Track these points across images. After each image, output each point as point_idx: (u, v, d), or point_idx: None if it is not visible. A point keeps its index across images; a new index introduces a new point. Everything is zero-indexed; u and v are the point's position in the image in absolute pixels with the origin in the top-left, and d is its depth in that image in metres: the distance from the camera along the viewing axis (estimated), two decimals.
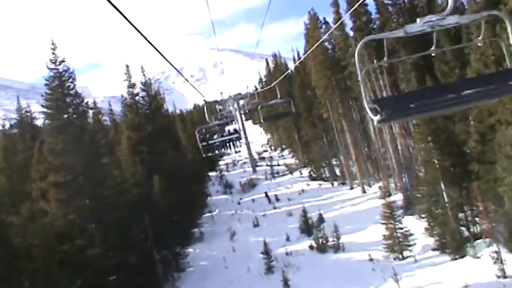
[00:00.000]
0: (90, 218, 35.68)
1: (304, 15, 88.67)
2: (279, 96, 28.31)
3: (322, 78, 63.08)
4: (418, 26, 6.39)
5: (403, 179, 51.16)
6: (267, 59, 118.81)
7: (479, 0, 36.23)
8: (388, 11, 50.40)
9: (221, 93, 30.50)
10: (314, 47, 51.20)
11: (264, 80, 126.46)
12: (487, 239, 33.66)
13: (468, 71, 37.99)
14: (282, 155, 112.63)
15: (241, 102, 28.48)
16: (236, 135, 28.36)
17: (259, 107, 25.86)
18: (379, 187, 57.34)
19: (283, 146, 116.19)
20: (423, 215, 40.75)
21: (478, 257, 32.57)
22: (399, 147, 52.29)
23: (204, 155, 28.52)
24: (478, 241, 34.35)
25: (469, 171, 35.33)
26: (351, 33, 55.80)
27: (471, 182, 35.43)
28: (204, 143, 26.99)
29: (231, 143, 29.84)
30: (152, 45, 7.80)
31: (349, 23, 55.92)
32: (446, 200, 36.13)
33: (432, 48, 7.12)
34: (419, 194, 42.09)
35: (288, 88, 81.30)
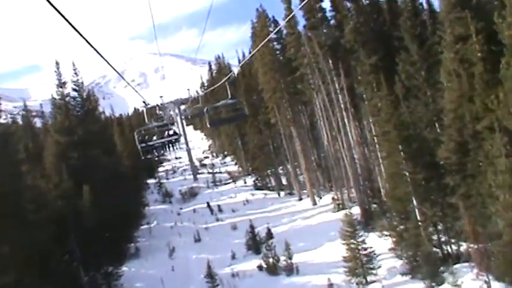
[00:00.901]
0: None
1: (247, 22, 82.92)
2: (229, 96, 25.82)
3: (270, 80, 57.55)
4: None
5: (361, 191, 45.95)
6: (209, 63, 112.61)
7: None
8: (346, 8, 45.24)
9: (161, 96, 32.12)
10: (261, 44, 45.75)
11: (206, 84, 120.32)
12: (467, 263, 28.69)
13: (441, 72, 33.51)
14: (225, 162, 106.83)
15: (183, 107, 29.31)
16: (175, 136, 28.12)
17: (205, 110, 24.40)
18: (332, 198, 52.29)
19: (226, 153, 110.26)
20: (387, 233, 35.70)
21: (458, 285, 27.36)
22: (355, 156, 47.17)
23: (143, 157, 29.52)
24: (457, 266, 29.29)
25: (445, 186, 30.46)
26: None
27: (447, 197, 30.60)
28: (143, 144, 27.12)
29: (171, 145, 31.15)
30: (92, 47, 7.76)
31: (302, 21, 50.64)
32: (419, 218, 30.99)
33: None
34: (382, 209, 37.02)
35: (233, 92, 75.20)
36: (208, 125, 26.12)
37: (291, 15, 49.25)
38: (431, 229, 31.63)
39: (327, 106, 50.31)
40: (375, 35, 44.81)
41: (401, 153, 31.12)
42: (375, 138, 45.25)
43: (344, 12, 45.31)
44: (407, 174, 30.98)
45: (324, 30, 48.31)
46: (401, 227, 32.66)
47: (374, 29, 45.03)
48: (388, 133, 32.16)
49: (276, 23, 58.83)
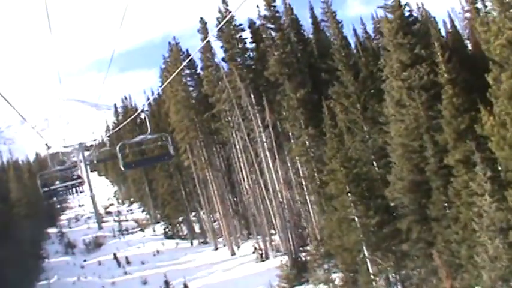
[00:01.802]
0: None
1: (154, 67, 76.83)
2: (149, 131, 20.34)
3: (183, 119, 51.47)
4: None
5: (289, 239, 40.33)
6: (115, 105, 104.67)
7: None
8: (269, 37, 40.43)
9: (64, 140, 30.43)
10: (173, 75, 40.34)
11: (111, 128, 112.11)
12: None
13: (387, 100, 29.23)
14: (131, 210, 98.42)
15: (87, 152, 27.19)
16: (79, 180, 26.79)
17: (118, 148, 19.80)
18: (254, 248, 46.35)
19: (132, 200, 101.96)
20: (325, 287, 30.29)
21: None
22: (281, 200, 41.74)
23: (45, 201, 30.01)
24: None
25: (399, 231, 25.50)
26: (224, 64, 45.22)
27: (402, 244, 25.58)
28: (46, 189, 25.95)
29: (75, 189, 30.30)
30: None
31: (220, 53, 45.39)
32: (371, 270, 25.65)
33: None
34: (319, 260, 31.62)
35: (140, 134, 68.65)
36: (122, 167, 19.92)
37: (206, 41, 43.89)
38: (384, 282, 26.40)
39: (247, 146, 44.77)
40: (302, 67, 40.24)
41: (349, 194, 25.84)
42: (303, 180, 40.22)
43: (267, 42, 40.41)
44: (356, 219, 25.69)
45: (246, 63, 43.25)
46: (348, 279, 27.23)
47: (301, 61, 40.43)
48: (333, 172, 26.80)
49: (189, 56, 53.20)
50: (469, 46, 38.81)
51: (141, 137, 19.73)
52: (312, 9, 43.48)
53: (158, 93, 66.91)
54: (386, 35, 29.61)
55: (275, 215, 42.85)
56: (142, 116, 74.65)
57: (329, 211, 31.68)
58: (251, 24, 44.19)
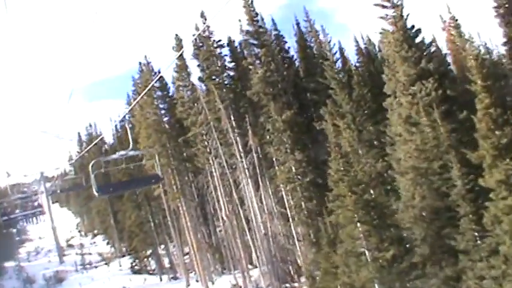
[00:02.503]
0: None
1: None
2: (130, 146, 15.72)
3: (154, 144, 46.99)
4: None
5: (274, 274, 36.10)
6: (79, 133, 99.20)
7: None
8: (253, 54, 36.82)
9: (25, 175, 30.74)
10: (142, 94, 36.33)
11: (74, 157, 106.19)
12: None
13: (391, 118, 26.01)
14: (94, 242, 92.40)
15: (48, 184, 28.18)
16: (40, 209, 32.26)
17: (90, 167, 15.75)
18: (232, 284, 41.94)
19: (96, 232, 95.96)
20: None
21: None
22: (267, 232, 37.58)
23: (5, 230, 24.79)
24: None
25: (415, 266, 21.70)
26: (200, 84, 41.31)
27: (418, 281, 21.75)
28: (5, 217, 26.96)
29: (35, 218, 30.27)
30: None
31: (196, 72, 41.48)
32: None
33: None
34: None
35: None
36: (96, 193, 14.89)
37: (179, 53, 40.00)
38: None
39: (225, 173, 40.65)
40: (288, 86, 36.66)
41: (358, 224, 21.94)
42: (288, 210, 36.29)
43: (250, 59, 36.76)
44: (367, 253, 21.76)
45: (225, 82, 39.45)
46: None
47: (286, 80, 36.85)
48: (339, 198, 22.88)
49: (162, 78, 49.09)
50: None
51: (121, 153, 15.13)
52: (297, 24, 40.03)
53: (127, 117, 62.48)
54: (391, 47, 26.36)
55: (256, 248, 38.66)
56: (108, 140, 70.29)
57: (324, 243, 27.85)
58: (230, 42, 40.67)
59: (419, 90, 24.58)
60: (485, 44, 42.86)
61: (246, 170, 37.86)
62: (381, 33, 28.32)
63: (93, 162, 14.64)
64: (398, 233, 22.16)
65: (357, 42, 42.38)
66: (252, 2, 36.93)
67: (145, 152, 17.61)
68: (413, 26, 27.38)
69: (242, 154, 37.90)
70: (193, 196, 50.81)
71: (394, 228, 22.21)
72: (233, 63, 40.45)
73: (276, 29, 38.83)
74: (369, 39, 45.59)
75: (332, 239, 27.45)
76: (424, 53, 26.90)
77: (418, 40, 27.20)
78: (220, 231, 48.62)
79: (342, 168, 22.85)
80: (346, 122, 29.97)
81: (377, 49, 47.22)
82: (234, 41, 40.94)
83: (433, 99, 24.29)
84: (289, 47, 39.52)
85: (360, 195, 21.89)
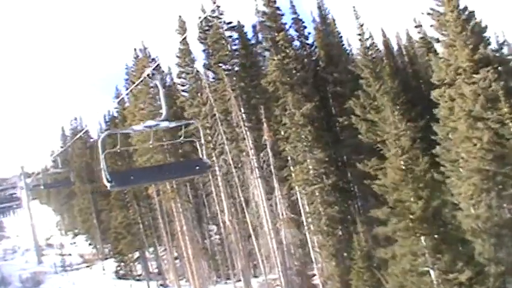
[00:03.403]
0: None
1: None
2: (164, 113, 10.67)
3: (148, 139, 41.98)
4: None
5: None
6: (63, 128, 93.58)
7: None
8: (268, 38, 32.35)
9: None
10: (135, 85, 32.43)
11: (57, 150, 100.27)
12: None
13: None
14: (75, 243, 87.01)
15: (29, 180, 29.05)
16: (17, 202, 20.23)
17: (100, 143, 10.43)
18: None
19: (77, 231, 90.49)
20: None
21: None
22: (282, 241, 32.96)
23: None
24: None
25: None
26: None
27: None
28: None
29: (12, 211, 38.64)
30: None
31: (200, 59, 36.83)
32: None
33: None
34: None
35: (89, 160, 61.35)
36: (108, 183, 8.21)
37: (184, 36, 35.23)
38: None
39: (231, 172, 35.97)
40: (307, 75, 32.16)
41: (422, 239, 17.43)
42: (304, 216, 31.85)
43: (265, 44, 32.23)
44: (432, 273, 17.26)
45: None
46: None
47: (306, 68, 32.33)
48: (399, 203, 18.34)
49: (158, 66, 44.22)
50: None
51: (148, 123, 9.55)
52: (319, 7, 35.52)
53: (114, 114, 58.05)
54: (449, 29, 22.02)
55: (263, 257, 34.09)
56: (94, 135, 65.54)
57: (357, 257, 23.44)
58: (240, 26, 36.07)
59: (483, 79, 20.24)
60: None
61: (257, 169, 33.17)
62: (429, 13, 24.07)
63: (104, 134, 8.84)
64: (471, 250, 17.68)
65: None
66: None
67: (185, 123, 9.73)
68: (466, 7, 23.20)
69: (253, 151, 33.19)
70: (188, 197, 46.02)
71: (464, 243, 17.72)
72: (243, 50, 35.79)
73: (294, 12, 34.32)
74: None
75: (366, 253, 23.13)
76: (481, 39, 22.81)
77: (471, 24, 23.07)
78: (219, 236, 44.10)
79: (404, 167, 18.30)
80: (383, 117, 25.58)
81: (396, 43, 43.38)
82: (243, 26, 36.38)
83: (497, 90, 20.03)
84: (309, 33, 35.05)
85: (425, 201, 17.39)
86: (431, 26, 24.43)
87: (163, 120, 8.55)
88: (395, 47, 46.42)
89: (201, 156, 9.09)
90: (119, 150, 10.15)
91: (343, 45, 36.56)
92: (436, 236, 17.27)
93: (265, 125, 32.22)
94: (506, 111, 19.43)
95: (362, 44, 28.19)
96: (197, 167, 9.07)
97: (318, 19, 35.98)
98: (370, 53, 28.35)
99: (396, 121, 21.60)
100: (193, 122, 10.44)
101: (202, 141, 9.41)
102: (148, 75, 8.69)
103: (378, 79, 27.16)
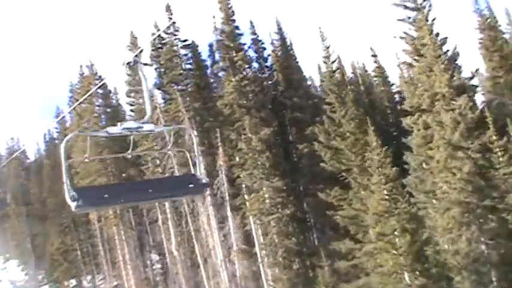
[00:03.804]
0: None
1: None
2: (148, 113, 7.71)
3: (94, 160, 39.37)
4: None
5: None
6: None
7: None
8: (227, 56, 30.43)
9: None
10: (78, 102, 30.01)
11: None
12: None
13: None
14: (6, 268, 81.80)
15: None
16: None
17: (62, 148, 7.41)
18: None
19: (8, 256, 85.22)
20: None
21: None
22: (235, 273, 30.62)
23: None
24: None
25: None
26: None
27: None
28: None
29: None
30: None
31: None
32: None
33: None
34: None
35: (23, 181, 57.86)
36: (72, 202, 4.90)
37: (139, 50, 32.66)
38: None
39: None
40: (265, 100, 30.40)
41: (406, 275, 15.67)
42: (257, 248, 29.76)
43: (223, 64, 30.31)
44: None
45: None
46: None
47: (265, 92, 30.56)
48: (381, 238, 16.53)
49: (104, 84, 41.53)
50: None
51: (130, 125, 6.51)
52: (280, 29, 33.94)
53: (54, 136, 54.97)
54: (426, 55, 20.71)
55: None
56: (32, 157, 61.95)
57: None
58: (194, 46, 34.06)
59: (463, 106, 18.90)
60: None
61: (209, 197, 30.87)
62: (402, 37, 22.76)
63: (70, 136, 6.08)
64: None
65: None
66: None
67: (172, 128, 6.62)
68: (438, 33, 22.06)
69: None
70: (132, 224, 43.12)
71: (450, 281, 16.05)
72: (198, 70, 33.77)
73: (254, 33, 32.47)
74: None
75: None
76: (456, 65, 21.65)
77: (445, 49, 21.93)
78: (161, 266, 41.34)
79: (387, 197, 16.53)
80: (347, 144, 23.98)
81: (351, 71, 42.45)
82: (198, 46, 34.43)
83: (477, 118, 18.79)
84: (268, 55, 33.27)
85: (411, 235, 15.66)
86: (403, 50, 23.14)
87: (146, 123, 5.91)
88: (351, 76, 45.34)
89: (195, 172, 6.59)
90: (88, 159, 8.24)
91: (299, 71, 35.02)
92: (419, 272, 15.52)
93: (220, 149, 30.06)
94: (486, 140, 18.05)
95: (327, 67, 26.64)
96: (191, 185, 6.49)
97: (276, 42, 34.40)
98: (336, 76, 26.80)
99: (378, 146, 19.94)
100: (186, 127, 7.28)
101: (196, 152, 6.56)
102: (129, 63, 6.02)
103: (343, 104, 25.58)
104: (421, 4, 22.59)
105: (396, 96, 39.28)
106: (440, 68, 19.59)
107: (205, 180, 6.36)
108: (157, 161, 34.58)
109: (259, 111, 29.51)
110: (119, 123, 5.73)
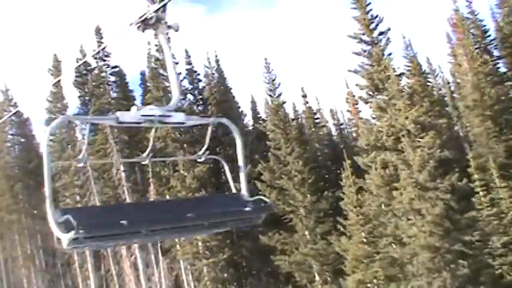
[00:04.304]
0: None
1: None
2: (177, 96, 4.73)
3: (3, 193, 35.43)
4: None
5: None
6: None
7: None
8: (159, 87, 28.03)
9: None
10: None
11: None
12: None
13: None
14: None
15: None
16: None
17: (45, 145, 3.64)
18: None
19: None
20: None
21: None
22: None
23: None
24: None
25: None
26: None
27: None
28: None
29: None
30: None
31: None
32: None
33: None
34: None
35: None
36: (68, 238, 2.59)
37: (57, 79, 29.76)
38: None
39: None
40: (200, 135, 28.11)
41: None
42: None
43: (157, 94, 27.85)
44: None
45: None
46: None
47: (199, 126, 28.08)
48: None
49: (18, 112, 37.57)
50: None
51: (153, 111, 3.84)
52: (217, 61, 31.88)
53: None
54: (390, 88, 19.32)
55: None
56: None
57: None
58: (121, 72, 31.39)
59: (431, 144, 17.43)
60: None
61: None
62: (356, 71, 21.29)
63: (56, 122, 3.39)
64: None
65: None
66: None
67: (211, 122, 4.16)
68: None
69: None
70: (41, 265, 38.64)
71: None
72: (124, 100, 31.06)
73: (189, 63, 30.12)
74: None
75: None
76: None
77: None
78: None
79: (366, 241, 14.54)
80: (295, 183, 22.06)
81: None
82: (125, 75, 31.75)
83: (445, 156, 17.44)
84: (203, 87, 30.96)
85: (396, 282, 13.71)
86: (356, 85, 21.61)
87: (173, 111, 3.68)
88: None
89: (238, 188, 3.94)
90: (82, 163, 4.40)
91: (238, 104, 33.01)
92: None
93: (152, 186, 27.18)
94: (454, 180, 16.59)
95: (273, 101, 24.70)
96: (247, 209, 3.91)
97: (210, 73, 32.22)
98: (280, 111, 24.85)
99: (352, 184, 18.01)
100: (226, 121, 3.44)
101: (242, 162, 3.74)
102: (145, 20, 3.50)
103: (289, 141, 23.67)
104: (377, 38, 21.35)
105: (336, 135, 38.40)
106: (405, 102, 18.09)
107: (267, 201, 4.02)
108: (78, 197, 31.13)
109: (194, 145, 27.09)
110: (134, 108, 3.44)
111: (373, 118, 20.66)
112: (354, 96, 44.45)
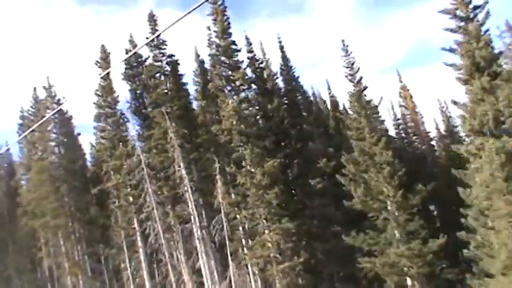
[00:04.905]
0: None
1: None
2: None
3: (47, 196, 33.16)
4: None
5: None
6: None
7: None
8: (222, 75, 25.62)
9: None
10: (31, 129, 25.62)
11: None
12: None
13: None
14: None
15: None
16: None
17: None
18: None
19: None
20: None
21: None
22: None
23: None
24: None
25: None
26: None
27: None
28: None
29: None
30: None
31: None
32: None
33: None
34: None
35: None
36: None
37: (107, 71, 27.61)
38: None
39: (161, 244, 27.78)
40: (272, 126, 25.61)
41: None
42: None
43: (219, 82, 25.39)
44: None
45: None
46: None
47: (270, 116, 25.78)
48: None
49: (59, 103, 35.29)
50: None
51: None
52: (281, 48, 29.31)
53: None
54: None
55: None
56: None
57: None
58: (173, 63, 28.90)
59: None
60: None
61: (202, 240, 25.30)
62: (450, 50, 18.56)
63: None
64: None
65: None
66: (225, 7, 25.78)
67: None
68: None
69: (197, 217, 25.38)
70: (92, 273, 36.30)
71: None
72: (177, 91, 28.63)
73: (250, 51, 27.49)
74: None
75: None
76: None
77: None
78: None
79: None
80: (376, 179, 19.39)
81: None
82: (179, 64, 29.30)
83: None
84: (268, 75, 28.45)
85: None
86: (450, 65, 18.89)
87: None
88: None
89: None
90: None
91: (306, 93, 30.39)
92: None
93: (219, 183, 24.63)
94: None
95: (355, 86, 22.05)
96: None
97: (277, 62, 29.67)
98: (364, 95, 22.20)
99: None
100: None
101: None
102: None
103: (372, 130, 21.06)
104: (474, 12, 18.67)
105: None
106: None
107: None
108: (131, 198, 28.78)
109: (263, 139, 24.63)
110: None
111: (478, 100, 17.82)
112: (408, 90, 41.78)
